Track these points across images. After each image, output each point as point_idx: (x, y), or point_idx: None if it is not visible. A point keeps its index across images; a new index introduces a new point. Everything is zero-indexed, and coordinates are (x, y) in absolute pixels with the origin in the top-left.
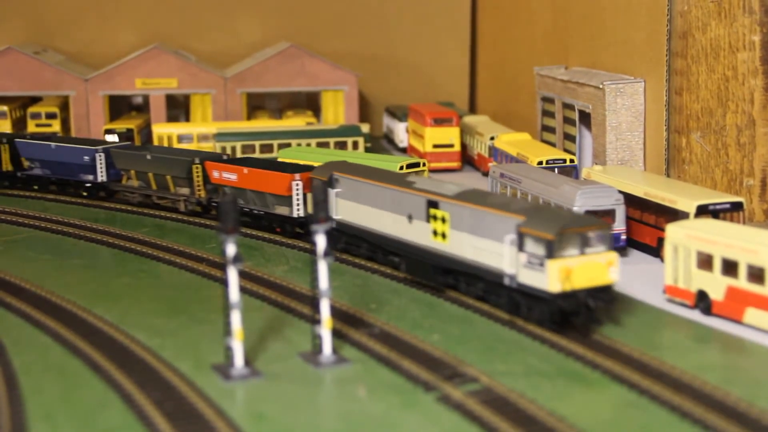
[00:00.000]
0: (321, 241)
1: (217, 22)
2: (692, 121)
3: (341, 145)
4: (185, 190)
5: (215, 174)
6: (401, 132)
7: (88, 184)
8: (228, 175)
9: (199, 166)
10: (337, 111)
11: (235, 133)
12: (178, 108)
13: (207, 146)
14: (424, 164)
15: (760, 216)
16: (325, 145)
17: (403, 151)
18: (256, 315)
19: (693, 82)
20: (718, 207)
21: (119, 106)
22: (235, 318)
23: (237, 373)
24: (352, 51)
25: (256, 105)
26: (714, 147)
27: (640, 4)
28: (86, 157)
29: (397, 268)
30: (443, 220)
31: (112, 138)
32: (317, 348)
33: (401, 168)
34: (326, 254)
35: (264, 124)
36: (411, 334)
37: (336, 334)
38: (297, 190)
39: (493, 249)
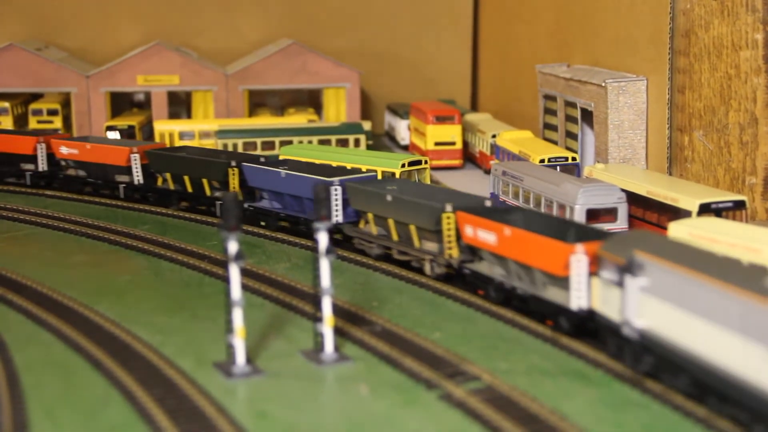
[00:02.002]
0: (323, 239)
1: (219, 19)
2: (694, 119)
3: (343, 143)
4: (432, 246)
5: (468, 231)
6: (403, 129)
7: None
8: (485, 235)
9: (451, 216)
10: (338, 108)
11: (237, 130)
12: (180, 105)
13: (208, 143)
14: (425, 162)
15: (763, 214)
16: (327, 142)
17: (405, 148)
18: (258, 312)
19: (695, 80)
20: (720, 205)
21: (121, 103)
22: (237, 315)
23: (238, 371)
24: (354, 48)
25: (257, 102)
26: (716, 145)
27: (642, 2)
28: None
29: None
30: None
31: (114, 135)
32: (319, 346)
33: (403, 165)
34: (328, 252)
35: (266, 121)
36: (413, 332)
37: (338, 331)
38: (578, 267)
39: None
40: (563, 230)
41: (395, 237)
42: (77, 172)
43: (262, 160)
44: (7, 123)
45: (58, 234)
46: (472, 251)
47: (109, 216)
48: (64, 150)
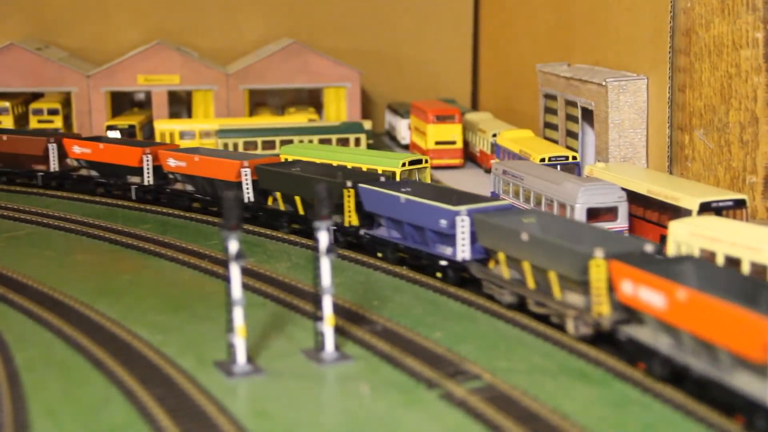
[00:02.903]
0: (323, 238)
1: (220, 18)
2: (695, 118)
3: (343, 142)
4: (578, 300)
5: (626, 288)
6: (403, 129)
7: (443, 263)
8: (649, 296)
9: (601, 264)
10: (339, 108)
11: (238, 129)
12: (181, 104)
13: (209, 143)
14: (426, 161)
15: (763, 213)
16: (327, 141)
17: (406, 148)
18: (259, 312)
19: (696, 79)
20: (721, 204)
21: (121, 103)
22: (238, 315)
23: (239, 370)
24: (355, 48)
25: (258, 102)
26: (717, 144)
27: (643, 1)
28: (443, 222)
29: None
30: None
31: (114, 134)
32: (320, 345)
33: (403, 165)
34: (329, 251)
35: (266, 120)
36: (413, 331)
37: (338, 331)
38: None
39: None
40: (754, 292)
41: (532, 284)
42: (185, 186)
43: (382, 179)
44: (8, 122)
45: (58, 233)
46: (629, 311)
47: (109, 215)
48: (171, 162)
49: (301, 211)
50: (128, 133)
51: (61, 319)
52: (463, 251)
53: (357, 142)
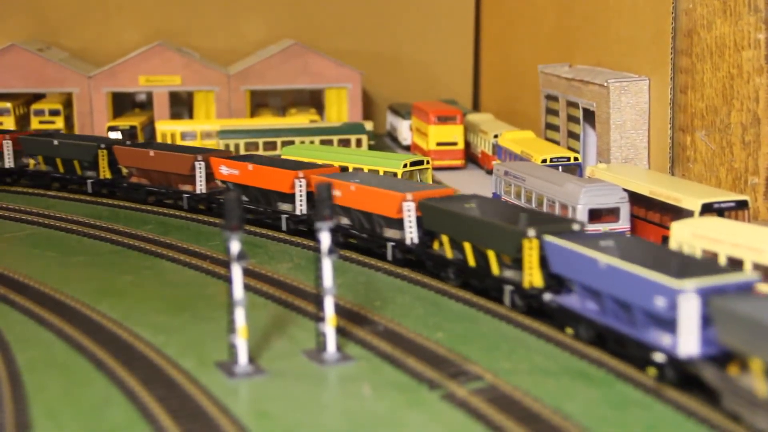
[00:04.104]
0: (325, 239)
1: (221, 19)
2: (697, 119)
3: (345, 143)
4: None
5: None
6: (405, 130)
7: (658, 357)
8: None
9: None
10: (340, 109)
11: (239, 130)
12: (182, 105)
13: (211, 143)
14: (427, 162)
15: (765, 214)
16: (329, 142)
17: (407, 149)
18: (260, 312)
19: (698, 80)
20: (723, 205)
21: (123, 104)
22: (239, 315)
23: (241, 371)
24: (356, 49)
25: (259, 102)
26: (719, 145)
27: (645, 2)
28: (659, 301)
29: None
30: None
31: (116, 135)
32: (321, 346)
33: (405, 166)
34: (330, 252)
35: (267, 121)
36: (415, 332)
37: (340, 331)
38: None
39: None
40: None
41: None
42: (340, 220)
43: (576, 228)
44: (9, 123)
45: (60, 234)
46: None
47: (111, 216)
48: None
49: (471, 262)
50: (129, 134)
51: (62, 319)
52: (688, 343)
53: (358, 143)
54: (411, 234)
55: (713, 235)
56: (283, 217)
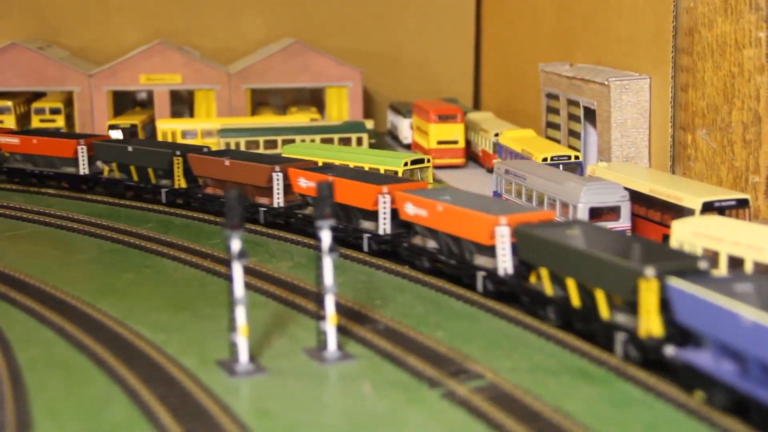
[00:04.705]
0: (326, 237)
1: (222, 18)
2: (698, 118)
3: (345, 142)
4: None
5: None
6: (405, 128)
7: None
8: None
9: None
10: (341, 107)
11: (239, 129)
12: (182, 104)
13: (211, 142)
14: (428, 161)
15: (766, 213)
16: (329, 141)
17: (408, 147)
18: (261, 311)
19: (698, 78)
20: (723, 204)
21: (123, 102)
22: (240, 314)
23: (242, 369)
24: (357, 47)
25: (260, 101)
26: (719, 144)
27: (645, 0)
28: None
29: None
30: None
31: (116, 134)
32: (322, 344)
33: (405, 164)
34: (331, 250)
35: (268, 120)
36: (416, 330)
37: (341, 330)
38: None
39: None
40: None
41: None
42: (425, 242)
43: (703, 266)
44: (10, 122)
45: (60, 232)
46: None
47: (112, 214)
48: (409, 210)
49: (575, 301)
50: (130, 133)
51: (63, 318)
52: None
53: (359, 141)
54: (504, 264)
55: (714, 234)
56: (365, 236)
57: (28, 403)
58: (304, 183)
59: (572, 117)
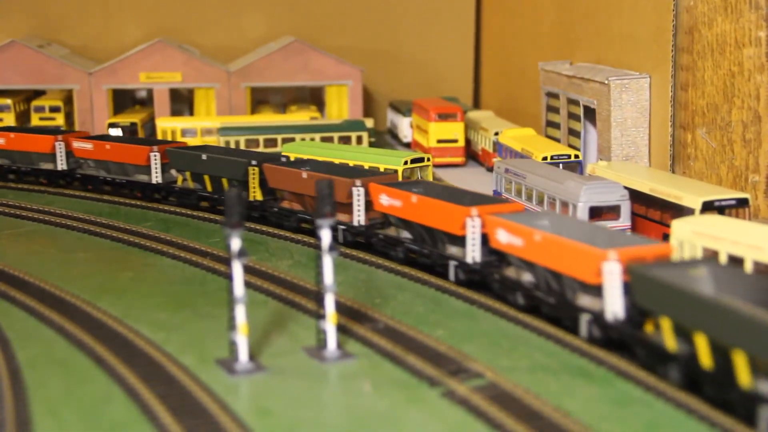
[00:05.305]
0: (326, 236)
1: (222, 16)
2: (697, 117)
3: (345, 140)
4: None
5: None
6: (405, 127)
7: None
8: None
9: None
10: (341, 106)
11: (239, 127)
12: (182, 102)
13: (211, 140)
14: (428, 159)
15: (766, 212)
16: (329, 139)
17: (407, 146)
18: (261, 310)
19: (698, 77)
20: (723, 203)
21: (123, 100)
22: (240, 312)
23: (241, 368)
24: (357, 46)
25: (260, 99)
26: (719, 143)
27: None
28: None
29: None
30: None
31: (116, 132)
32: (322, 343)
33: (405, 163)
34: (331, 249)
35: (268, 118)
36: (415, 329)
37: (340, 329)
38: None
39: None
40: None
41: None
42: (517, 274)
43: None
44: (9, 120)
45: (60, 231)
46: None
47: (111, 213)
48: (503, 238)
49: (705, 361)
50: (130, 131)
51: (62, 316)
52: None
53: (359, 140)
54: (613, 307)
55: (714, 233)
56: (452, 264)
57: (28, 401)
58: (386, 201)
59: (572, 116)
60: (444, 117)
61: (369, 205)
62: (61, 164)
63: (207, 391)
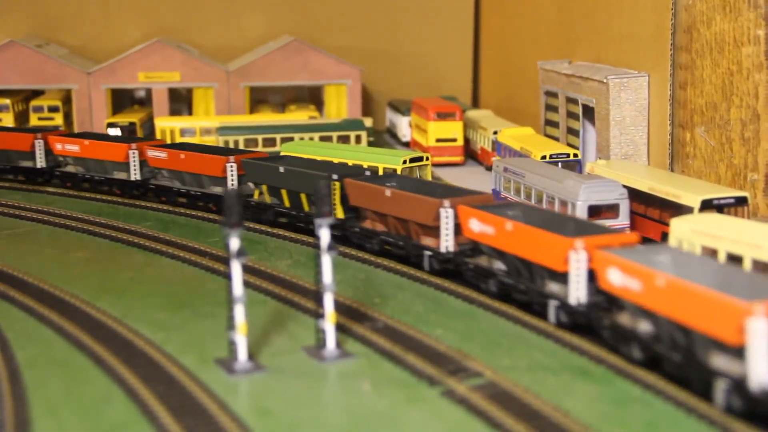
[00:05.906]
0: (325, 235)
1: (220, 15)
2: (696, 115)
3: (344, 140)
4: None
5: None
6: (404, 126)
7: None
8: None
9: None
10: (340, 105)
11: (238, 127)
12: (181, 102)
13: (209, 140)
14: (427, 158)
15: (765, 210)
16: (328, 139)
17: (406, 145)
18: (260, 309)
19: (697, 76)
20: (722, 202)
21: (122, 100)
22: (239, 312)
23: (241, 368)
24: (356, 45)
25: (259, 99)
26: (718, 141)
27: None
28: None
29: None
30: None
31: (115, 131)
32: (321, 342)
33: (404, 162)
34: (330, 248)
35: (267, 118)
36: (415, 328)
37: (340, 328)
38: None
39: None
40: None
41: None
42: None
43: None
44: (8, 120)
45: (59, 231)
46: None
47: (110, 212)
48: (616, 279)
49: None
50: (129, 131)
51: (62, 316)
52: None
53: (358, 139)
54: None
55: (713, 232)
56: (552, 304)
57: (28, 401)
58: (477, 227)
59: (571, 115)
60: (443, 116)
61: (457, 227)
62: (135, 174)
63: (206, 390)
